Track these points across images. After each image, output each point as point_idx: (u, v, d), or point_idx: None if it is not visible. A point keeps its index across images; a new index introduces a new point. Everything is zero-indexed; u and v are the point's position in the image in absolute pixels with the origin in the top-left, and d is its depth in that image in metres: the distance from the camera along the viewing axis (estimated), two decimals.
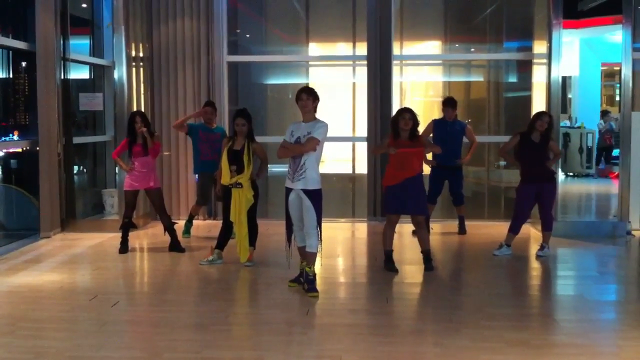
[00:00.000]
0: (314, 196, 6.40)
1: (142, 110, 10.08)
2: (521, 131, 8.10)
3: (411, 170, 7.22)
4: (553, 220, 8.26)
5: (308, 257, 6.50)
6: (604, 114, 15.67)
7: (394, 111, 10.42)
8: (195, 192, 9.78)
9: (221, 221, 7.79)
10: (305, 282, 6.49)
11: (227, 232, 7.68)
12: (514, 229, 8.15)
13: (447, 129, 9.06)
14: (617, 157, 13.54)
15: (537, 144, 7.94)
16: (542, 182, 7.97)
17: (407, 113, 7.28)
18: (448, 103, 9.15)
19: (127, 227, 8.34)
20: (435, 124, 9.17)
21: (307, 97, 6.42)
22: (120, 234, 8.36)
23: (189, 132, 8.97)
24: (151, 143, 8.20)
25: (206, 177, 8.81)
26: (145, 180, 8.26)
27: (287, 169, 6.52)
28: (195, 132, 8.91)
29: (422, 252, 7.47)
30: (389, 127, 10.20)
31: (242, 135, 7.40)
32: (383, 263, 7.44)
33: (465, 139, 9.25)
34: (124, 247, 8.27)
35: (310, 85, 13.15)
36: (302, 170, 6.38)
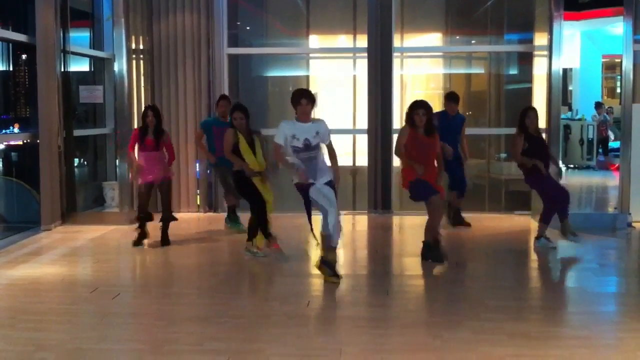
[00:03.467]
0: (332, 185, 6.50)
1: (142, 102, 10.11)
2: (519, 131, 7.99)
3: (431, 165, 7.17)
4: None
5: (323, 239, 6.54)
6: (598, 105, 15.66)
7: (394, 104, 10.50)
8: (197, 185, 9.81)
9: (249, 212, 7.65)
10: (327, 267, 6.53)
11: (261, 217, 7.49)
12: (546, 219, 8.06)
13: (449, 122, 9.05)
14: (614, 149, 13.54)
15: (537, 137, 7.91)
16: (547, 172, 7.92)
17: (420, 109, 7.09)
18: (452, 98, 9.12)
19: (144, 220, 8.29)
20: (438, 116, 9.14)
21: (307, 102, 6.40)
22: (135, 226, 8.28)
23: (204, 131, 8.86)
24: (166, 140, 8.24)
25: (224, 170, 8.62)
26: (159, 172, 8.19)
27: (297, 169, 6.41)
28: (209, 129, 8.78)
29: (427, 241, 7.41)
30: (390, 119, 10.30)
31: (242, 129, 7.37)
32: (427, 255, 7.36)
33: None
34: (139, 240, 8.20)
35: (311, 78, 13.15)
36: (321, 169, 6.49)
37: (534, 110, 8.00)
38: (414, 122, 7.11)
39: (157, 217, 8.38)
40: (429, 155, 7.14)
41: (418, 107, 7.12)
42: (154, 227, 8.27)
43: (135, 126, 9.15)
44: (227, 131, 7.49)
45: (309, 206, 6.55)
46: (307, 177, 6.34)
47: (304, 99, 6.40)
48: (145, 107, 8.46)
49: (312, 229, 6.64)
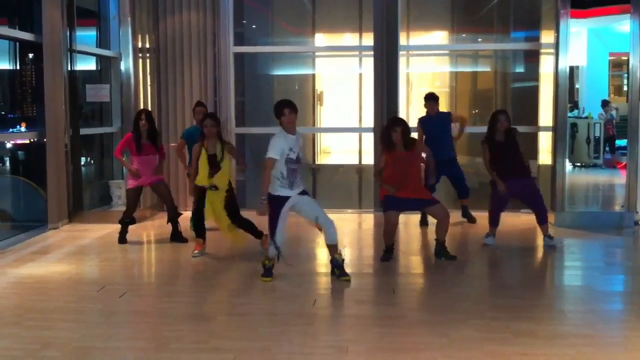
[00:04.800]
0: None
1: (149, 101, 10.14)
2: (483, 139, 8.02)
3: (410, 177, 7.24)
4: (546, 212, 8.17)
5: (333, 248, 6.64)
6: (605, 103, 15.60)
7: (400, 102, 10.48)
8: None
9: None
10: (336, 267, 6.63)
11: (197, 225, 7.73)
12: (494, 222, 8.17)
13: (433, 123, 9.09)
14: (621, 147, 13.49)
15: (503, 143, 7.88)
16: (518, 178, 7.90)
17: (398, 127, 7.17)
18: (431, 98, 9.19)
19: (128, 224, 8.36)
20: (422, 123, 9.17)
21: (291, 112, 6.38)
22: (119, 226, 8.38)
23: (187, 142, 8.75)
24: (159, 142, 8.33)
25: None
26: (150, 174, 8.26)
27: (280, 180, 6.42)
28: (194, 139, 8.70)
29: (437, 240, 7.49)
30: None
31: (212, 137, 7.36)
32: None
33: (456, 126, 9.31)
34: (123, 238, 8.31)
35: (317, 76, 13.16)
36: (299, 178, 6.53)
37: (505, 114, 7.97)
38: (391, 139, 7.16)
39: (162, 215, 8.42)
40: (408, 170, 7.21)
41: (395, 125, 7.21)
42: (158, 224, 8.30)
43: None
44: (194, 146, 7.56)
45: (276, 218, 6.46)
46: (264, 213, 6.45)
47: (286, 108, 6.37)
48: (139, 112, 8.52)
49: (274, 242, 6.53)
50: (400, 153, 7.18)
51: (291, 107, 6.40)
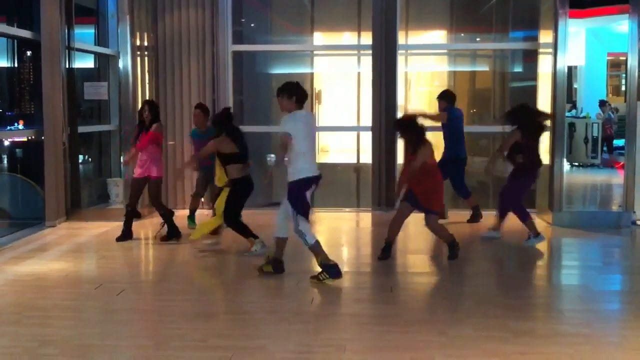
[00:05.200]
0: (289, 189, 6.44)
1: (147, 99, 10.11)
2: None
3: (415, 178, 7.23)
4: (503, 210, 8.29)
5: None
6: (602, 103, 15.63)
7: (399, 101, 10.48)
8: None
9: None
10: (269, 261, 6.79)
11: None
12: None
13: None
14: (618, 147, 13.50)
15: None
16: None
17: (396, 131, 7.33)
18: (438, 96, 9.37)
19: (130, 216, 8.34)
20: None
21: (281, 96, 6.48)
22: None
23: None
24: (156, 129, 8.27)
25: (206, 173, 8.69)
26: (147, 168, 8.25)
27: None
28: (192, 141, 8.75)
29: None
30: (394, 116, 10.26)
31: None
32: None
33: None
34: (123, 236, 8.27)
35: (315, 75, 13.15)
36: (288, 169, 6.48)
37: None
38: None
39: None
40: (410, 172, 7.19)
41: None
42: (157, 222, 8.32)
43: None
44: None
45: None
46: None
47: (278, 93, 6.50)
48: (142, 103, 8.55)
49: None
50: (408, 155, 7.20)
51: (281, 90, 6.48)
